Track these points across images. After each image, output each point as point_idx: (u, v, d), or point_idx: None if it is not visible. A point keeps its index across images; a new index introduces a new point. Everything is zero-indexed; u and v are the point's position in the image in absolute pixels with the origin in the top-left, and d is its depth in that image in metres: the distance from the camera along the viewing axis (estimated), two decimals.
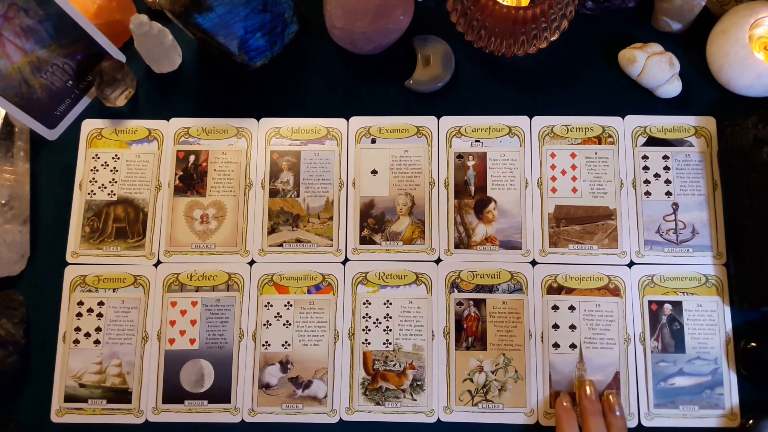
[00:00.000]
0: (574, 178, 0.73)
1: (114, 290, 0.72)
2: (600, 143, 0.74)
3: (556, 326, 0.70)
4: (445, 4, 0.75)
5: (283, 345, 0.70)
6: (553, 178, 0.73)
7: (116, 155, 0.76)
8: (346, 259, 0.72)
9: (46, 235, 0.74)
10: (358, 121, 0.76)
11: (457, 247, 0.72)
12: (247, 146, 0.75)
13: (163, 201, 0.74)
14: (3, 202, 0.71)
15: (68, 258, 0.73)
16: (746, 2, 0.73)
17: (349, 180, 0.74)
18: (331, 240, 0.73)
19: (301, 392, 0.69)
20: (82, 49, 0.73)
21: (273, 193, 0.74)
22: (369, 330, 0.70)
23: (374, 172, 0.74)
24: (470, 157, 0.74)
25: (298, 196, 0.74)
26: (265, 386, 0.70)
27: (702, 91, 0.75)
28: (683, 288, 0.70)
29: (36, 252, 0.73)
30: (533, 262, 0.72)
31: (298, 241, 0.73)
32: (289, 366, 0.70)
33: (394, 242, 0.72)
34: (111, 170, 0.75)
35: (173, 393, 0.70)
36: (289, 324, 0.71)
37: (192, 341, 0.71)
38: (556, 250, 0.72)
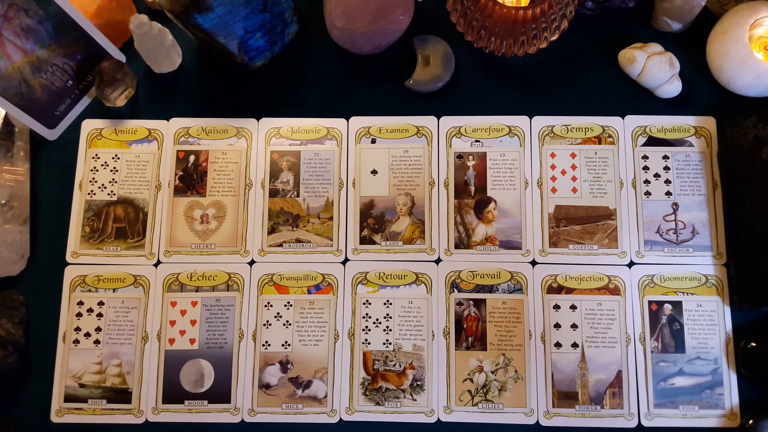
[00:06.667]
0: (574, 178, 0.73)
1: (114, 290, 0.72)
2: (600, 143, 0.74)
3: (557, 326, 0.70)
4: (445, 4, 0.75)
5: (283, 345, 0.70)
6: (553, 178, 0.73)
7: (116, 155, 0.76)
8: (346, 259, 0.72)
9: (46, 235, 0.74)
10: (358, 121, 0.76)
11: (457, 247, 0.72)
12: (247, 146, 0.75)
13: (163, 201, 0.74)
14: (3, 202, 0.71)
15: (68, 258, 0.73)
16: (746, 2, 0.73)
17: (349, 180, 0.74)
18: (331, 240, 0.73)
19: (301, 392, 0.69)
20: (82, 49, 0.73)
21: (273, 193, 0.74)
22: (369, 330, 0.70)
23: (374, 172, 0.74)
24: (470, 157, 0.74)
25: (298, 196, 0.74)
26: (265, 386, 0.69)
27: (702, 91, 0.75)
28: (683, 288, 0.70)
29: (36, 252, 0.73)
30: (533, 262, 0.72)
31: (298, 241, 0.73)
32: (289, 366, 0.70)
33: (394, 242, 0.72)
34: (111, 170, 0.75)
35: (173, 393, 0.69)
36: (289, 324, 0.71)
37: (192, 341, 0.71)
38: (556, 250, 0.72)
